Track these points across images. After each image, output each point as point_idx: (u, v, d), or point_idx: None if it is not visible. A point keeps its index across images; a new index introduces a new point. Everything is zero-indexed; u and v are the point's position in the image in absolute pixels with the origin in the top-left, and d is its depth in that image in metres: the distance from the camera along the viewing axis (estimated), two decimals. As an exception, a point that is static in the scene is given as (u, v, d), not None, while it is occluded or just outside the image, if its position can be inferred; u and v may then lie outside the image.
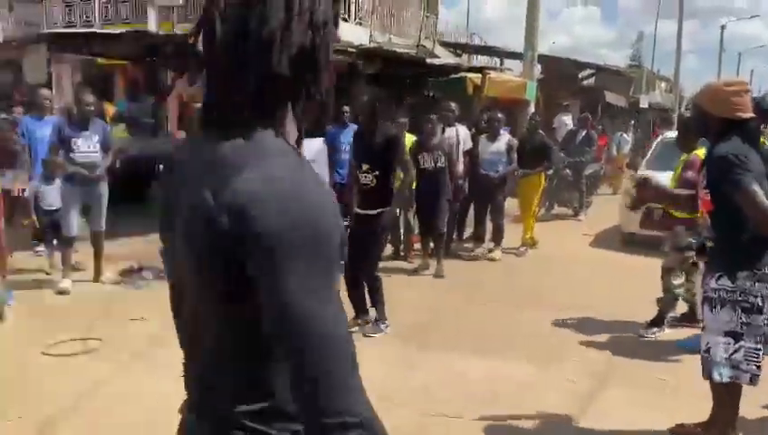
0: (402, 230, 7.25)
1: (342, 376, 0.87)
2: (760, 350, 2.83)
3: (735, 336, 2.82)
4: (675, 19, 27.76)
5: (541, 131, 8.37)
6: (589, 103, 16.36)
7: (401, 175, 5.02)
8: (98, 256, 6.10)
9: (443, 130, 7.08)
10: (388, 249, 6.93)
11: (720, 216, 2.89)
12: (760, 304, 2.78)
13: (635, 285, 6.17)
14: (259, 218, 0.87)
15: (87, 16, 18.40)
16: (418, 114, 10.36)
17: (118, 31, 9.41)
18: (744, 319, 2.79)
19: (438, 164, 6.67)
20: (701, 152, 5.04)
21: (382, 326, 4.84)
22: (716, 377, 2.87)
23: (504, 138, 7.52)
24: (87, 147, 5.78)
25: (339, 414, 0.86)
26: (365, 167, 4.78)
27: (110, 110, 11.11)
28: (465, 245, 7.87)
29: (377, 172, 4.72)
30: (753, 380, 2.85)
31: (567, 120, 14.03)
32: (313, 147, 6.12)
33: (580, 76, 18.98)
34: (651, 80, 34.21)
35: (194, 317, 1.04)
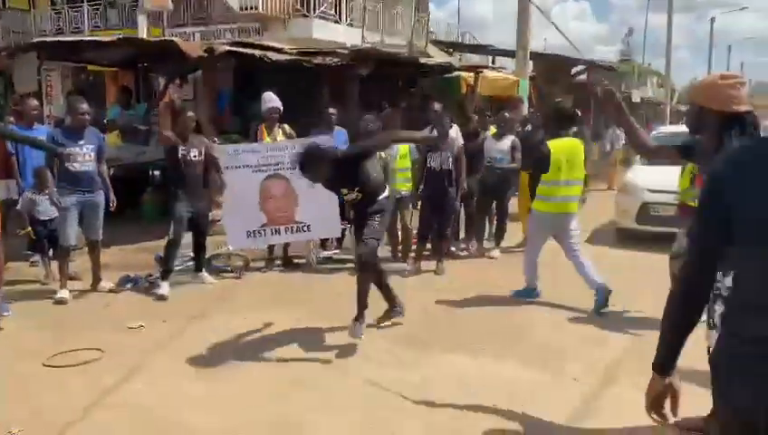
0: (400, 232, 7.23)
1: None
2: None
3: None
4: (665, 12, 27.82)
5: (541, 130, 8.36)
6: (581, 99, 16.33)
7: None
8: (95, 264, 6.06)
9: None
10: (386, 250, 6.92)
11: None
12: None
13: (633, 280, 6.17)
14: None
15: (76, 23, 18.35)
16: (412, 115, 10.34)
17: (108, 38, 9.34)
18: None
19: (444, 166, 6.67)
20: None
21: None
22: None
23: (509, 138, 7.51)
24: (82, 156, 5.74)
25: None
26: None
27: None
28: (462, 245, 7.84)
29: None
30: None
31: (560, 117, 14.01)
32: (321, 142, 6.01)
33: (572, 72, 19.00)
34: (642, 74, 34.30)
35: None
